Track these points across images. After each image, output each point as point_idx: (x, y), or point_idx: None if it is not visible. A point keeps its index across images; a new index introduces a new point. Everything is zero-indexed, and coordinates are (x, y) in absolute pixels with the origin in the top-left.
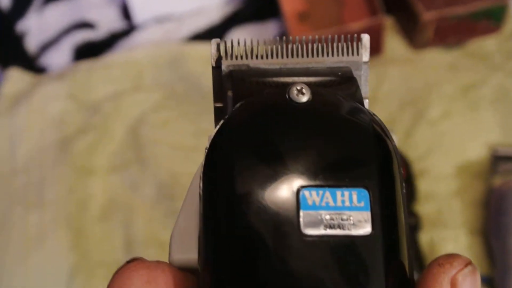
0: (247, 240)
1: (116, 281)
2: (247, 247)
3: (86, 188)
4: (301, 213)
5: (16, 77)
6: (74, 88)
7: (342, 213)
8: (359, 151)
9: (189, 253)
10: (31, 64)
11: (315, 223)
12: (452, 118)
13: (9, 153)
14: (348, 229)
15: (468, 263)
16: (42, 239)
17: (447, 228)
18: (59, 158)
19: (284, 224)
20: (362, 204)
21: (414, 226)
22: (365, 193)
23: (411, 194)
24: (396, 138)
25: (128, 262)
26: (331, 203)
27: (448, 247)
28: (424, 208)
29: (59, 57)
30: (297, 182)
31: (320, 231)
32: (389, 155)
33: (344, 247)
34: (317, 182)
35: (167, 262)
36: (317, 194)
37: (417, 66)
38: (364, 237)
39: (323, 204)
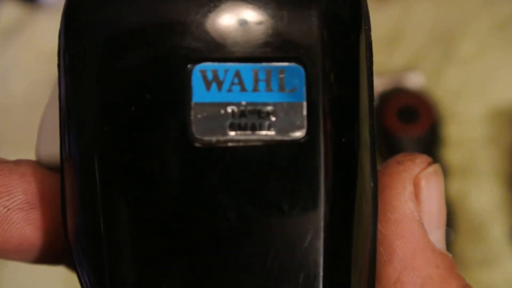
0: (110, 142)
1: None
2: (111, 158)
3: None
4: (193, 106)
5: (8, 8)
6: None
7: (259, 105)
8: (291, 1)
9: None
10: None
11: (215, 123)
12: (487, 57)
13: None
14: (268, 130)
15: (431, 162)
16: None
17: (478, 178)
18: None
19: (164, 124)
20: (293, 89)
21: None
22: (298, 70)
23: (438, 139)
24: (423, 77)
25: None
26: (243, 88)
27: (480, 199)
28: (454, 155)
29: None
30: (188, 54)
31: (222, 135)
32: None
33: (258, 162)
34: (221, 54)
35: (32, 160)
36: (221, 73)
37: None
38: (292, 145)
39: (230, 90)
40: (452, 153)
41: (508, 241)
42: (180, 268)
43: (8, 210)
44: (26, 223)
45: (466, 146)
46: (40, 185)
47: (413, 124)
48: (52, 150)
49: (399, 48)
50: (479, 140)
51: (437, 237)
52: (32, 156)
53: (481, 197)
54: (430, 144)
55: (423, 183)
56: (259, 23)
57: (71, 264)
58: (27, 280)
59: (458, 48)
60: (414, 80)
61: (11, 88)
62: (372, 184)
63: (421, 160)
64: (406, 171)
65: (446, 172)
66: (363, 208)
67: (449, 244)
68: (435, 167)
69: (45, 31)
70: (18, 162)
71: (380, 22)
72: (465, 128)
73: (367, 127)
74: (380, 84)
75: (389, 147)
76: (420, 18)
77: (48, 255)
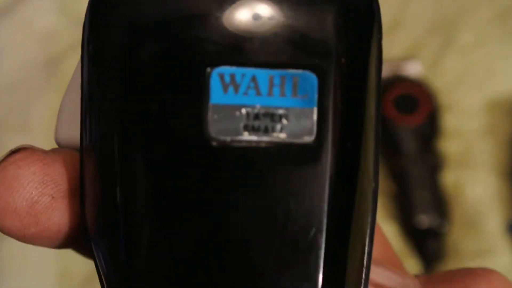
0: (133, 137)
1: None
2: (132, 150)
3: None
4: (210, 106)
5: None
6: None
7: (272, 109)
8: (309, 10)
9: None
10: None
11: (230, 124)
12: (486, 47)
13: None
14: (280, 133)
15: None
16: None
17: (475, 169)
18: (46, 78)
19: (182, 123)
20: (305, 95)
21: (436, 166)
22: (311, 78)
23: (436, 129)
24: (422, 66)
25: (12, 152)
26: (258, 92)
27: (476, 190)
28: (451, 146)
29: None
30: (208, 57)
31: (236, 135)
32: (361, 18)
33: (269, 161)
34: (240, 59)
35: (68, 149)
36: (238, 77)
37: None
38: (302, 147)
39: (246, 93)
40: (449, 144)
41: (503, 233)
42: (188, 258)
43: (53, 198)
44: (68, 211)
45: (463, 137)
46: (78, 172)
47: (412, 113)
48: (72, 134)
49: (398, 37)
50: (477, 131)
51: None
52: (24, 137)
53: (477, 188)
54: (428, 134)
55: None
56: (278, 31)
57: (81, 247)
58: (21, 275)
59: (458, 38)
60: (413, 69)
61: (4, 68)
62: (373, 184)
63: None
64: None
65: (439, 164)
66: (363, 206)
67: (444, 235)
68: None
69: (39, 11)
70: (57, 151)
71: (380, 10)
72: (463, 119)
73: (373, 133)
74: None
75: (387, 137)
76: (419, 7)
77: (73, 239)
